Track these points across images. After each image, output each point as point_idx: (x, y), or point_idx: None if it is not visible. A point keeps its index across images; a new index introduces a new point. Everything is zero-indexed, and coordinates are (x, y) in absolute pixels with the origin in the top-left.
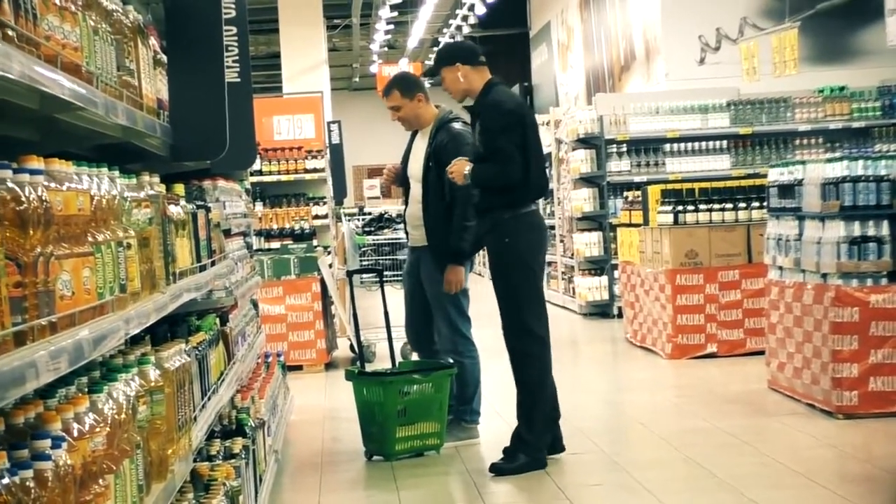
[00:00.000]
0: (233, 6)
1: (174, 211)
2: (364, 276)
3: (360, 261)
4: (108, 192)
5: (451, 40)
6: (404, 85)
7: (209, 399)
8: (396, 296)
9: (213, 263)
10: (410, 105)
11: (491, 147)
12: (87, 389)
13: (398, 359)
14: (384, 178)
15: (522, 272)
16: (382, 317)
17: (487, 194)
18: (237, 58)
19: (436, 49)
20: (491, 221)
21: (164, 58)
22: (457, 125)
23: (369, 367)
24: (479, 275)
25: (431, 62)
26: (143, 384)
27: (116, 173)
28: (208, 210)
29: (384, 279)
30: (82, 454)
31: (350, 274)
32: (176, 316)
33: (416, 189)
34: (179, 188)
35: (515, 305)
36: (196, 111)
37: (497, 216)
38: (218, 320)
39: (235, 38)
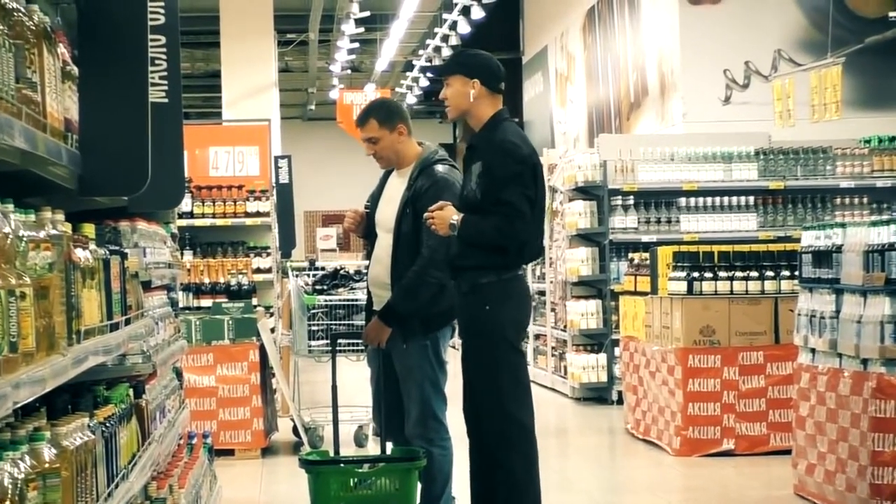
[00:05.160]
0: (162, 11)
1: (81, 256)
2: (313, 343)
3: (309, 325)
4: None
5: (476, 49)
6: (384, 113)
7: (117, 486)
8: (351, 368)
9: (127, 322)
10: (390, 138)
11: (494, 197)
12: None
13: (351, 445)
14: (347, 223)
15: (503, 347)
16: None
17: (473, 251)
18: (165, 74)
19: (415, 77)
20: (469, 284)
21: (76, 70)
22: (440, 168)
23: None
24: (454, 347)
25: (441, 61)
26: (34, 465)
27: (11, 207)
28: (124, 257)
29: (338, 348)
30: None
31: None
32: (80, 384)
33: (385, 241)
34: (89, 229)
35: (493, 387)
36: (112, 136)
37: (477, 278)
38: (131, 391)
39: (164, 49)
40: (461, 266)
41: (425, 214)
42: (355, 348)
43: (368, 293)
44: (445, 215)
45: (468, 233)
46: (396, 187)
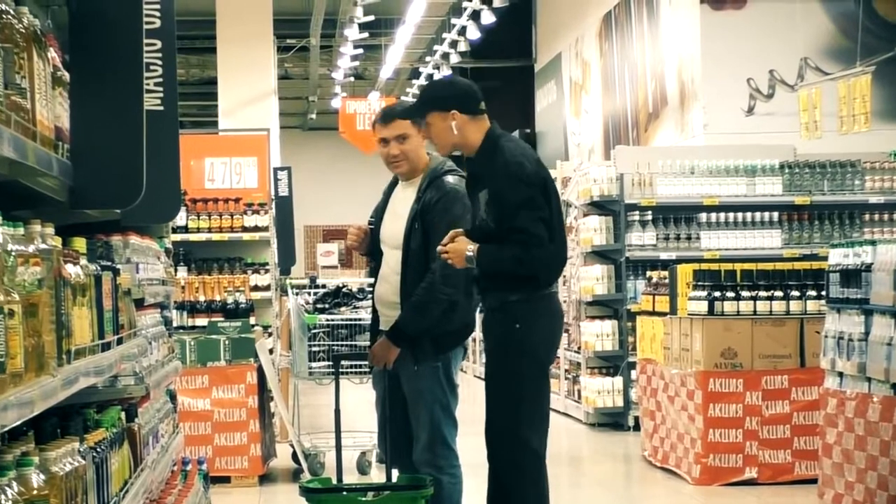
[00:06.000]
0: (157, 14)
1: (72, 272)
2: (314, 364)
3: (310, 346)
4: None
5: (443, 77)
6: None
7: None
8: (353, 391)
9: (119, 341)
10: (417, 139)
11: (508, 224)
12: None
13: (354, 472)
14: (350, 240)
15: (529, 368)
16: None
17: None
18: (161, 80)
19: (421, 85)
20: (498, 300)
21: (67, 75)
22: (450, 179)
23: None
24: (462, 370)
25: (413, 101)
26: (22, 492)
27: None
28: (116, 273)
29: (341, 370)
30: None
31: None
32: (69, 406)
33: (392, 258)
34: (80, 243)
35: (512, 408)
36: (105, 145)
37: (507, 295)
38: (123, 415)
39: (159, 54)
40: (487, 287)
41: (438, 248)
42: (359, 370)
43: (374, 312)
44: (460, 248)
45: (487, 263)
46: (403, 201)
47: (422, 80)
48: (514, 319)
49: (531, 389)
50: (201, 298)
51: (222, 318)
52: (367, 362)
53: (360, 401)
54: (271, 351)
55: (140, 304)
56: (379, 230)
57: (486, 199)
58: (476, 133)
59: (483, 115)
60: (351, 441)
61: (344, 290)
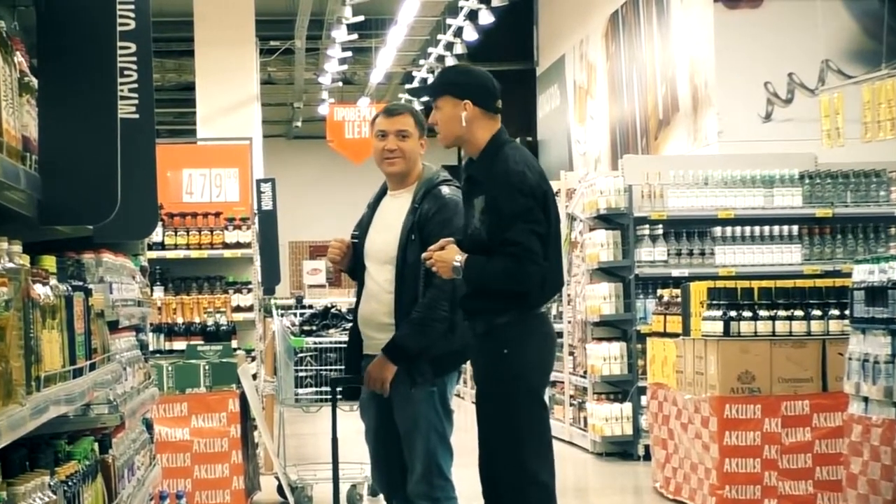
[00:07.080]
0: (132, 15)
1: (41, 292)
2: (301, 391)
3: (296, 371)
4: None
5: (464, 64)
6: (420, 115)
7: None
8: (342, 420)
9: (92, 367)
10: (416, 143)
11: (501, 236)
12: None
13: None
14: (331, 254)
15: (524, 396)
16: (324, 448)
17: (483, 292)
18: (136, 86)
19: (433, 75)
20: (484, 325)
21: (35, 81)
22: (446, 189)
23: None
24: (459, 395)
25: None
26: None
27: None
28: (88, 293)
29: (327, 396)
30: None
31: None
32: (39, 437)
33: (380, 274)
34: (49, 262)
35: (512, 441)
36: (76, 156)
37: (493, 318)
38: (96, 446)
39: (134, 58)
40: (474, 307)
41: (423, 255)
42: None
43: (353, 335)
44: (447, 257)
45: (474, 276)
46: (394, 212)
47: (415, 84)
48: (503, 344)
49: (528, 418)
50: (179, 320)
51: (202, 342)
52: (361, 385)
53: (348, 430)
54: (255, 376)
55: (114, 326)
56: (362, 245)
57: (481, 206)
58: (483, 132)
59: (496, 116)
60: (340, 473)
61: (332, 310)
